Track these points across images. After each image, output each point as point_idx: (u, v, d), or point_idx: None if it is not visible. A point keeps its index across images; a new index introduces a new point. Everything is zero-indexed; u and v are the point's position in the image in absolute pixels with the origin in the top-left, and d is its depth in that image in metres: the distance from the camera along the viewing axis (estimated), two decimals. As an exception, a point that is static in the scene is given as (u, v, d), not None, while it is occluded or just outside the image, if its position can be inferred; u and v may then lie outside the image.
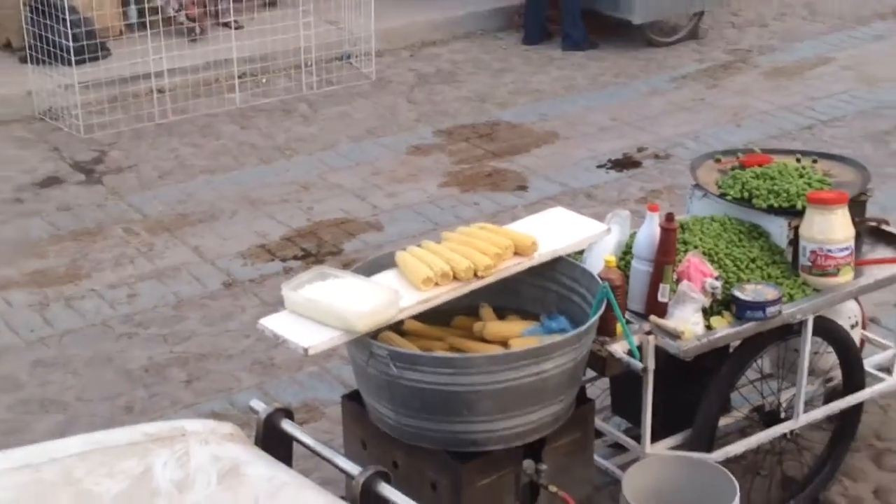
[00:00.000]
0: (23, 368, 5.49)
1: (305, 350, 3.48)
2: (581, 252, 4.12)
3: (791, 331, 4.12)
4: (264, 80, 8.76)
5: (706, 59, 9.30)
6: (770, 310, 3.90)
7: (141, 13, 8.88)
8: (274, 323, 3.61)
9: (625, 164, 7.58)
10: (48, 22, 8.19)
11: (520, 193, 7.20)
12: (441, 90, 8.74)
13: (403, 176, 7.42)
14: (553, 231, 4.03)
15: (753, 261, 4.14)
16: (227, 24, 9.17)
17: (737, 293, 3.92)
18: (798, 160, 4.54)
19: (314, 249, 6.54)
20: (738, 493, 3.61)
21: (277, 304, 5.77)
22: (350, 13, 9.08)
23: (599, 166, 7.54)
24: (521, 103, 8.51)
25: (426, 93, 8.70)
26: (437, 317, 3.89)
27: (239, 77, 8.57)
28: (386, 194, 7.18)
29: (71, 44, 7.96)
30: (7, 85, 8.34)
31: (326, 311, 3.56)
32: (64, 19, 8.03)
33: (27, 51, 8.39)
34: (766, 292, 3.93)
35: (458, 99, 8.58)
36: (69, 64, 7.99)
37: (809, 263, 4.12)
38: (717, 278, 3.94)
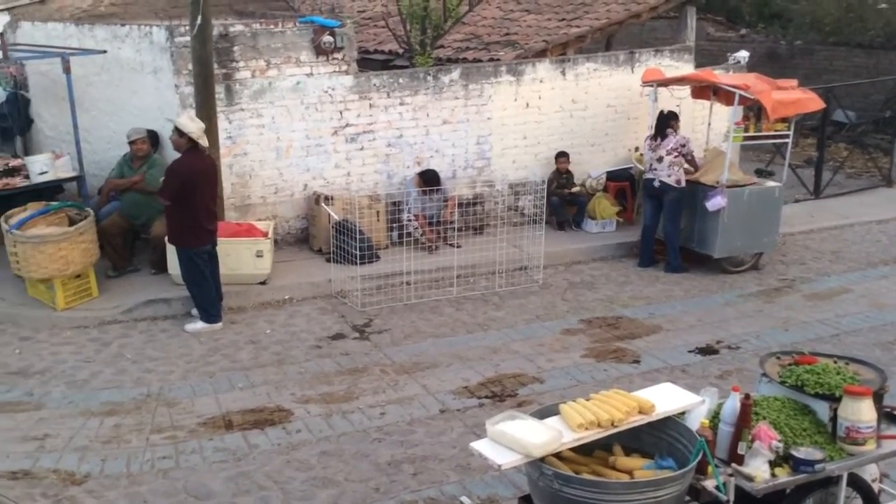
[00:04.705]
0: (313, 456, 5.55)
1: (499, 466, 3.43)
2: (683, 413, 3.97)
3: (831, 481, 3.83)
4: (471, 280, 8.88)
5: (763, 284, 8.97)
6: (817, 466, 3.67)
7: (399, 235, 9.22)
8: (480, 446, 3.60)
9: (707, 351, 7.29)
10: (345, 238, 8.58)
11: (635, 366, 6.99)
12: (584, 293, 8.67)
13: (558, 348, 7.32)
14: (665, 399, 3.93)
15: (805, 430, 3.90)
16: (451, 244, 9.41)
17: (794, 453, 3.70)
18: (835, 362, 4.29)
19: (499, 392, 6.47)
20: None
21: (475, 427, 5.77)
22: (528, 241, 9.21)
23: (689, 351, 7.27)
24: (637, 305, 8.34)
25: (574, 294, 8.65)
26: (584, 449, 3.80)
27: (457, 277, 8.72)
28: (546, 359, 7.08)
29: (357, 252, 8.30)
30: (317, 275, 8.67)
31: (513, 441, 3.52)
32: (354, 237, 8.41)
33: (331, 254, 8.77)
34: (815, 453, 3.70)
35: (595, 300, 8.49)
36: (355, 264, 8.31)
37: (844, 435, 3.86)
38: (779, 441, 3.72)
